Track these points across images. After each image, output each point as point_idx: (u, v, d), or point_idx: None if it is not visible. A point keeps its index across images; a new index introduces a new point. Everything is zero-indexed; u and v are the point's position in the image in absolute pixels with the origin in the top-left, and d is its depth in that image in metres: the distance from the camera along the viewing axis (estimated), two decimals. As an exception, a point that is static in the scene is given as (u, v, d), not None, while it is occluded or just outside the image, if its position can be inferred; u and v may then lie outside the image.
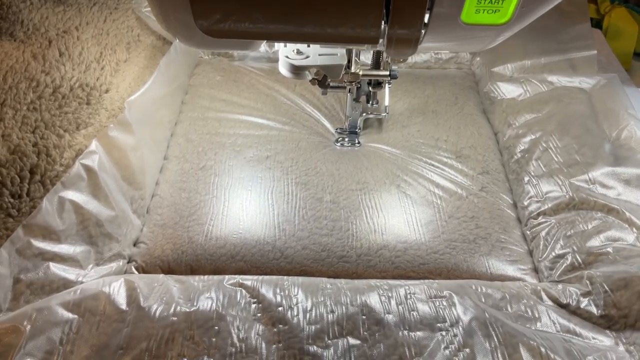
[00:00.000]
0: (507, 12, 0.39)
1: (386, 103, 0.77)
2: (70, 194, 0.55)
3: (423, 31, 0.40)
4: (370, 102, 0.77)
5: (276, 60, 0.94)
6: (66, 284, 0.52)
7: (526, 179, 0.68)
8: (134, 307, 0.48)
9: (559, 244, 0.59)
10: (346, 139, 0.78)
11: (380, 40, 0.41)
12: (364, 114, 0.77)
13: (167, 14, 0.40)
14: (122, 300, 0.49)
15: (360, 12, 0.38)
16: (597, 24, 0.99)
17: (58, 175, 0.57)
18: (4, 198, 0.52)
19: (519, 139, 0.72)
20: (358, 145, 0.77)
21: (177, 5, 0.38)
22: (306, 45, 0.62)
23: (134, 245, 0.63)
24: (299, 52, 0.62)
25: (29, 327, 0.45)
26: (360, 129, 0.78)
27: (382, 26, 0.39)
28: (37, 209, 0.52)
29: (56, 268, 0.52)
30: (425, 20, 0.39)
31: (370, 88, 0.74)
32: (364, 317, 0.49)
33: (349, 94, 0.74)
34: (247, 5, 0.38)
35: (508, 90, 0.81)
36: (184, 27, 0.40)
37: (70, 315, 0.47)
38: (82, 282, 0.52)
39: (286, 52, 0.62)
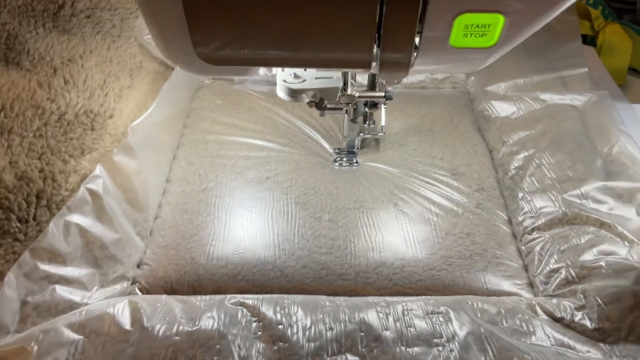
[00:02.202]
0: (494, 35, 0.40)
1: (383, 123, 0.78)
2: (76, 218, 0.57)
3: (414, 55, 0.42)
4: (367, 122, 0.78)
5: (275, 84, 0.96)
6: (72, 306, 0.53)
7: (520, 195, 0.69)
8: (138, 327, 0.50)
9: (553, 258, 0.60)
10: (344, 159, 0.79)
11: (374, 64, 0.43)
12: (361, 134, 0.79)
13: (168, 42, 0.42)
14: (126, 321, 0.50)
15: (352, 38, 0.40)
16: (591, 40, 1.00)
17: (64, 199, 0.59)
18: (11, 223, 0.54)
19: (513, 156, 0.74)
20: (356, 164, 0.79)
21: (177, 34, 0.40)
22: (303, 69, 0.64)
23: (138, 266, 0.64)
24: (296, 76, 0.64)
25: (36, 348, 0.46)
26: (357, 148, 0.80)
27: (375, 50, 0.41)
28: (44, 233, 0.53)
29: (62, 290, 0.53)
30: (417, 44, 0.41)
31: (366, 109, 0.76)
32: (362, 333, 0.50)
33: (346, 115, 0.75)
34: (245, 33, 0.40)
35: (502, 109, 0.82)
36: (184, 54, 0.42)
37: (76, 336, 0.48)
38: (87, 304, 0.54)
39: (284, 77, 0.64)
